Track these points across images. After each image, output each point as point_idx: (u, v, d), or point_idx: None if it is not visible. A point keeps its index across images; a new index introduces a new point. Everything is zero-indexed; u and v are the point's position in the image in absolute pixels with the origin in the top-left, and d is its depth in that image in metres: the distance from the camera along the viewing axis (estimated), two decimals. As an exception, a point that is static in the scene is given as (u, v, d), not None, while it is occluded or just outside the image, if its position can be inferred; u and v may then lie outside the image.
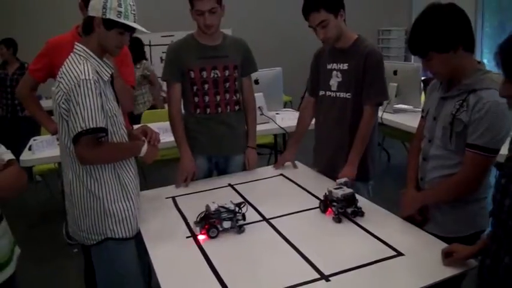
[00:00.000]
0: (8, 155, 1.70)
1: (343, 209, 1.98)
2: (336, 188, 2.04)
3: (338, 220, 1.97)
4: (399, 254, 1.69)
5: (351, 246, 1.78)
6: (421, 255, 1.67)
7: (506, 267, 1.26)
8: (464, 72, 1.74)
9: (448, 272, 1.56)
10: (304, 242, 1.82)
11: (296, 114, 4.25)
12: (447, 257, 1.59)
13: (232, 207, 1.90)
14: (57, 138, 3.36)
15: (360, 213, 2.00)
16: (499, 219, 1.31)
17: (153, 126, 2.54)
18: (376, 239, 1.81)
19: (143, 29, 1.92)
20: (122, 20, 1.84)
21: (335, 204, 2.00)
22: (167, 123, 2.72)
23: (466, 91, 1.72)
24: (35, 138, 3.56)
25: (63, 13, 5.97)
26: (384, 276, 1.56)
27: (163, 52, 6.42)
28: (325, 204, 2.06)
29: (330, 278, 1.56)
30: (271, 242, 1.85)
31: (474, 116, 1.68)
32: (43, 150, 3.27)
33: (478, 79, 1.71)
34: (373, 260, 1.65)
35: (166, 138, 2.81)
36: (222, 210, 1.89)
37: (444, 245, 1.68)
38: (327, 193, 2.06)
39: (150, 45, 6.45)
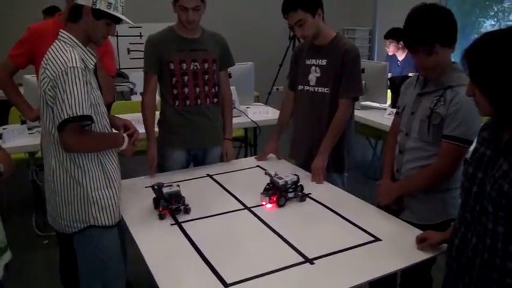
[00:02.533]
0: None
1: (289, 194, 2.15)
2: (278, 178, 2.14)
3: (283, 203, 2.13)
4: (377, 239, 1.80)
5: (331, 233, 1.88)
6: (398, 241, 1.78)
7: (474, 247, 1.38)
8: (443, 70, 1.87)
9: (423, 256, 1.68)
10: (286, 229, 1.89)
11: (266, 108, 4.34)
12: (421, 242, 1.71)
13: (166, 191, 2.01)
14: (28, 127, 3.33)
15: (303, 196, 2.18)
16: (467, 204, 1.42)
17: (126, 117, 2.48)
18: (354, 226, 1.92)
19: (130, 22, 1.94)
20: (111, 11, 1.86)
21: (290, 190, 2.14)
22: (138, 115, 2.71)
23: (443, 87, 1.86)
24: (4, 127, 3.48)
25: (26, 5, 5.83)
26: (364, 259, 1.66)
27: (130, 43, 6.40)
28: (275, 192, 2.13)
29: (314, 261, 1.64)
30: (255, 229, 1.92)
31: (451, 109, 1.82)
32: (14, 139, 3.18)
33: (454, 77, 1.84)
34: (353, 244, 1.75)
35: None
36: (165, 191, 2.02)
37: (418, 231, 1.81)
38: (273, 183, 2.15)
39: (117, 36, 6.33)
